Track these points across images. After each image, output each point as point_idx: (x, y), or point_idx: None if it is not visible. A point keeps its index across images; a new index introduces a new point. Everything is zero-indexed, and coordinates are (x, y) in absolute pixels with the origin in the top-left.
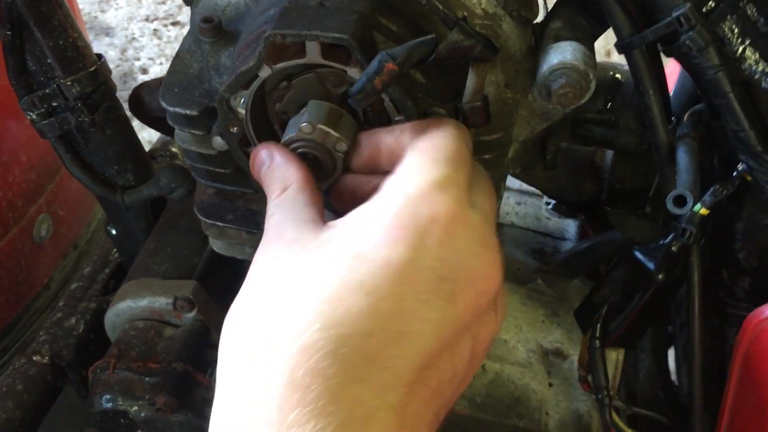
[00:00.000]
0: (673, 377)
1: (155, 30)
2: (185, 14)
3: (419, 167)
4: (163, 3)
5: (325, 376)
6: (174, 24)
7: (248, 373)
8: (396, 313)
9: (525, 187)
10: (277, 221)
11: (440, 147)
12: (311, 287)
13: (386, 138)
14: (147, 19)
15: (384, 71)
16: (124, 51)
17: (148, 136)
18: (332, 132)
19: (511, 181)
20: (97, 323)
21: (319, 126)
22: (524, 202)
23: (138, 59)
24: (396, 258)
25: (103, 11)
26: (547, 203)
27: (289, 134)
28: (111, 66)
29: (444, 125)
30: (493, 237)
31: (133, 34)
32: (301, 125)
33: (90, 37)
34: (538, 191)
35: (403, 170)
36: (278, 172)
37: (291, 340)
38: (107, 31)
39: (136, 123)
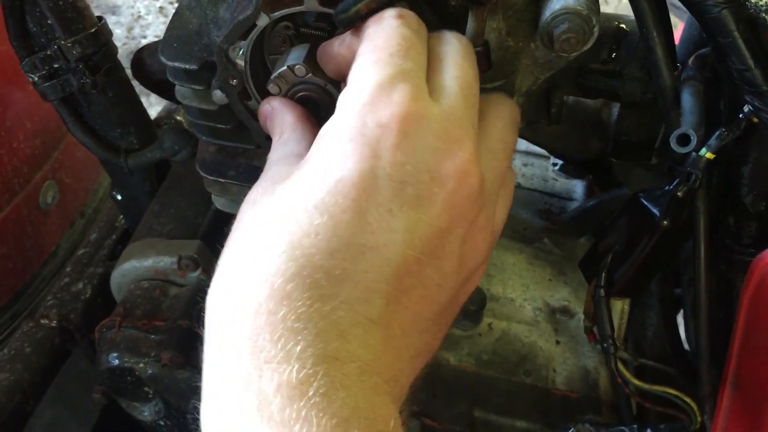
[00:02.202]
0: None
1: (161, 8)
2: None
3: (362, 74)
4: None
5: (291, 299)
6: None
7: (222, 310)
8: (357, 227)
9: (532, 148)
10: (269, 161)
11: (382, 45)
12: (277, 219)
13: (339, 49)
14: None
15: None
16: (130, 29)
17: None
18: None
19: (518, 143)
20: (104, 287)
21: (298, 66)
22: (531, 163)
23: (145, 37)
24: (347, 173)
25: None
26: (554, 164)
27: (272, 76)
28: (117, 44)
29: (383, 20)
30: (462, 127)
31: (139, 12)
32: (280, 70)
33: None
34: (544, 152)
35: (350, 81)
36: (277, 119)
37: (257, 274)
38: (113, 10)
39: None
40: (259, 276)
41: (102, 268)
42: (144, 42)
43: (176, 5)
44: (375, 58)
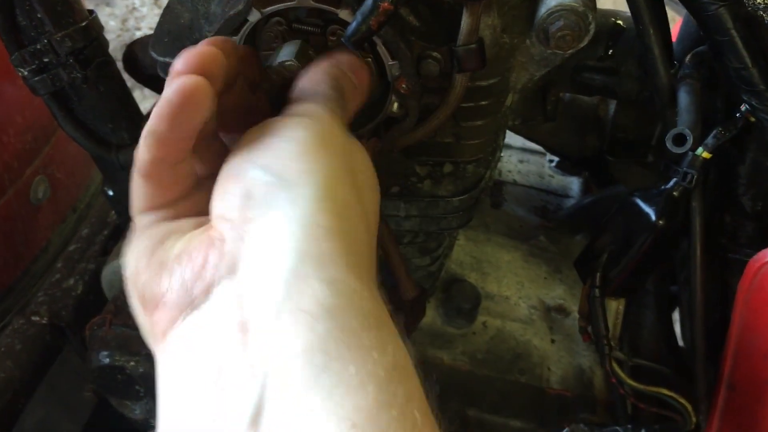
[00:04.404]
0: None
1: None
2: None
3: None
4: None
5: None
6: None
7: None
8: None
9: (528, 144)
10: None
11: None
12: None
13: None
14: None
15: (379, 11)
16: (124, 21)
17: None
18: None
19: (514, 139)
20: (96, 284)
21: (289, 62)
22: (527, 160)
23: (139, 29)
24: None
25: None
26: (551, 161)
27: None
28: (112, 36)
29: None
30: None
31: (134, 3)
32: (271, 64)
33: (90, 6)
34: (541, 149)
35: None
36: None
37: None
38: (108, 1)
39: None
40: None
41: (93, 264)
42: (138, 34)
43: None
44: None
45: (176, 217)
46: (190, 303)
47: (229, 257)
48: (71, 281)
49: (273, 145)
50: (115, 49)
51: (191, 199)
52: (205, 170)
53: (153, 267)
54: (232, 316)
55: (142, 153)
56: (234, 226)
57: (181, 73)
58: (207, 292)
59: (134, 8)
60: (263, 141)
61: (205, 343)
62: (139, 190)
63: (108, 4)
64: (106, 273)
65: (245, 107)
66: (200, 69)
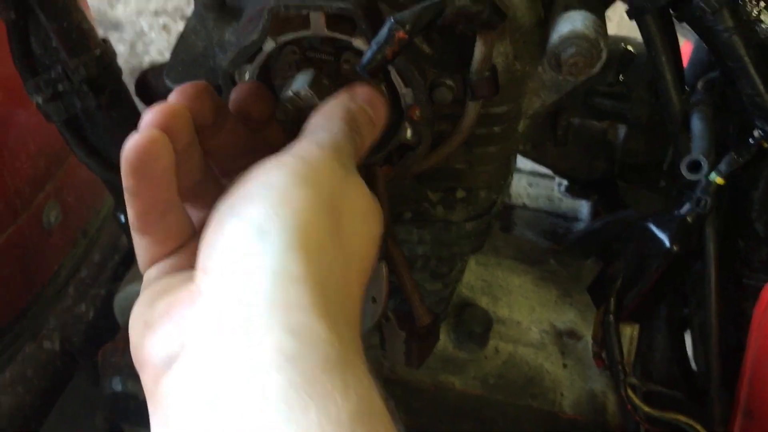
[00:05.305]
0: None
1: (164, 24)
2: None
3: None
4: None
5: None
6: (183, 18)
7: None
8: None
9: (537, 168)
10: None
11: None
12: None
13: None
14: (156, 14)
15: (394, 40)
16: (133, 46)
17: None
18: (314, 96)
19: (523, 163)
20: (107, 310)
21: (303, 91)
22: (536, 183)
23: (148, 54)
24: None
25: (112, 6)
26: (560, 184)
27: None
28: (121, 61)
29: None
30: None
31: (143, 28)
32: (286, 95)
33: (99, 32)
34: (550, 172)
35: None
36: None
37: None
38: (116, 26)
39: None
40: None
41: (105, 290)
42: (147, 59)
43: (180, 22)
44: None
45: (180, 268)
46: (169, 362)
47: (204, 312)
48: (83, 307)
49: (253, 193)
50: (125, 74)
51: (192, 248)
52: (204, 216)
53: (141, 328)
54: (200, 373)
55: (128, 209)
56: (212, 279)
57: (141, 129)
58: (183, 348)
59: (143, 33)
60: (245, 188)
61: (177, 405)
62: (138, 246)
63: (117, 29)
64: (119, 299)
65: (242, 147)
66: (160, 123)
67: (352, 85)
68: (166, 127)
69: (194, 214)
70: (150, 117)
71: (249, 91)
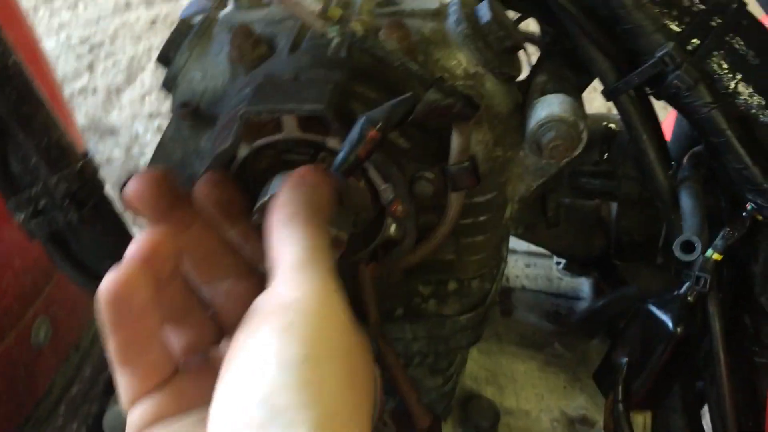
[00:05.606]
0: None
1: (159, 126)
2: None
3: None
4: (167, 98)
5: None
6: None
7: None
8: None
9: (534, 248)
10: None
11: None
12: None
13: None
14: (150, 117)
15: (366, 140)
16: (128, 149)
17: None
18: None
19: (520, 244)
20: (99, 427)
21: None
22: (534, 263)
23: (143, 155)
24: None
25: (107, 112)
26: (558, 263)
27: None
28: (116, 165)
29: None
30: None
31: (138, 131)
32: (263, 200)
33: (95, 138)
34: (547, 252)
35: None
36: None
37: None
38: (112, 132)
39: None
40: None
41: (96, 406)
42: (143, 161)
43: None
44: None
45: (165, 414)
46: None
47: None
48: (74, 426)
49: (267, 373)
50: (120, 177)
51: (175, 386)
52: (186, 342)
53: None
54: None
55: (107, 343)
56: None
57: (123, 264)
58: None
59: (138, 136)
60: (257, 365)
61: None
62: (119, 382)
63: (112, 134)
64: (108, 418)
65: (213, 251)
66: (143, 257)
67: (293, 175)
68: (148, 260)
69: (175, 336)
70: (133, 250)
71: (208, 181)
